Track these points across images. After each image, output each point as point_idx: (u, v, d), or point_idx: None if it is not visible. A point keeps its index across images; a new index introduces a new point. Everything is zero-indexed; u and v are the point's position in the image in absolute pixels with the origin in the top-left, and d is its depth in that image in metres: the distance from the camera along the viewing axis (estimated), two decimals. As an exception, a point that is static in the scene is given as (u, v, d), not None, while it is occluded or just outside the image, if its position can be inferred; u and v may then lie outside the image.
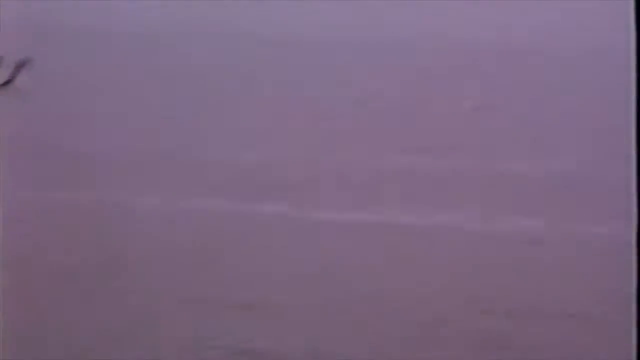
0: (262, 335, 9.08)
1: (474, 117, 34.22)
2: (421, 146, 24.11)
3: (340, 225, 14.46)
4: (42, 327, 9.10)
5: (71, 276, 10.99)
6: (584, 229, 14.71)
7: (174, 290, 10.66)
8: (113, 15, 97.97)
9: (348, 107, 36.73)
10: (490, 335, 9.37)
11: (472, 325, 9.62)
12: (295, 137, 25.86)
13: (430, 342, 9.24)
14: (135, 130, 25.27)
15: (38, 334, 8.92)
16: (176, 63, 56.73)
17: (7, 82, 35.97)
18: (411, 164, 21.07)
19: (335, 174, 19.82)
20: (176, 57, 61.91)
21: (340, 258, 12.47)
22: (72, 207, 14.67)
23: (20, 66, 36.98)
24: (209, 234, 13.49)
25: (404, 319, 9.77)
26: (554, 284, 11.34)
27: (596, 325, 9.84)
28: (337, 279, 11.25)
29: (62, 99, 31.25)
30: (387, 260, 12.39)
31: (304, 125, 29.30)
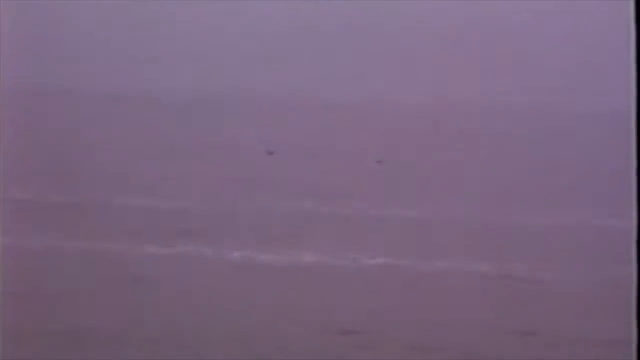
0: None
1: (377, 168, 34.85)
2: (324, 193, 24.49)
3: (247, 265, 14.68)
4: None
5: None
6: (463, 266, 15.13)
7: (84, 328, 10.62)
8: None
9: (258, 156, 37.24)
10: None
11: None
12: (207, 184, 26.13)
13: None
14: (59, 177, 25.31)
15: None
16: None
17: None
18: (312, 208, 21.42)
19: (243, 217, 20.04)
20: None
21: (245, 296, 12.66)
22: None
23: None
24: (128, 275, 13.57)
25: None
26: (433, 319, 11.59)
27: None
28: (241, 315, 11.41)
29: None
30: (288, 298, 12.60)
31: (215, 173, 29.62)
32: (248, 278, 13.75)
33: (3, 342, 9.46)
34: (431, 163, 37.99)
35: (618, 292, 13.35)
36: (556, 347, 10.18)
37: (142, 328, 10.45)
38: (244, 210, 21.00)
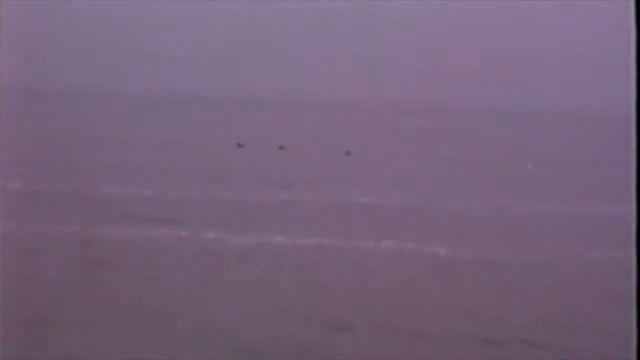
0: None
1: (344, 159, 35.21)
2: (293, 182, 24.71)
3: (224, 245, 14.81)
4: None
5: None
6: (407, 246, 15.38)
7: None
8: None
9: (231, 149, 37.46)
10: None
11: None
12: (185, 174, 26.30)
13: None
14: (49, 169, 25.44)
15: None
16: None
17: None
18: (285, 197, 21.62)
19: (218, 204, 20.20)
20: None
21: (219, 271, 12.91)
22: None
23: None
24: (112, 256, 13.67)
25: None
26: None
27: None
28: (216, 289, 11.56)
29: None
30: (258, 275, 12.81)
31: (192, 164, 29.87)
32: (222, 257, 13.89)
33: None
34: (427, 156, 38.31)
35: (555, 272, 13.61)
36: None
37: (124, 303, 10.53)
38: (219, 197, 21.15)
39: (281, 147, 39.86)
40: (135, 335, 9.25)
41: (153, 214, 17.73)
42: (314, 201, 20.87)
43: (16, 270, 12.39)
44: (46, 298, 10.85)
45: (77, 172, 25.15)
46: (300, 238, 15.47)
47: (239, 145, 40.63)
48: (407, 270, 13.40)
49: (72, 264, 12.75)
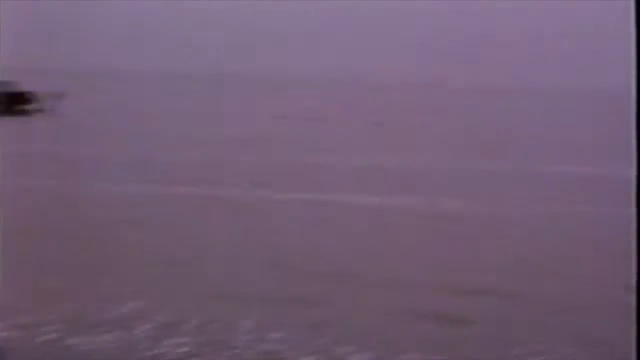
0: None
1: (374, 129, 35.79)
2: (321, 148, 25.20)
3: (245, 201, 15.00)
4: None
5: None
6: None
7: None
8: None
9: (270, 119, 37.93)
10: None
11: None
12: (227, 141, 27.16)
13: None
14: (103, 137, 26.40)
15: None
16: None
17: (37, 110, 35.04)
18: (316, 160, 22.19)
19: (256, 166, 20.93)
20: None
21: (244, 225, 12.81)
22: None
23: (55, 97, 36.11)
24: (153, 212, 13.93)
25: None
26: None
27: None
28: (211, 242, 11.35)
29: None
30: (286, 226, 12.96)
31: (235, 132, 30.70)
32: (260, 212, 14.09)
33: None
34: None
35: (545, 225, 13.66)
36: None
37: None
38: (258, 161, 21.76)
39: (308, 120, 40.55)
40: (153, 282, 8.96)
41: (196, 175, 17.95)
42: (335, 164, 21.16)
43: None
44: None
45: (131, 139, 25.94)
46: (322, 195, 15.64)
47: (281, 117, 41.31)
48: (411, 226, 13.16)
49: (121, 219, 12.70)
